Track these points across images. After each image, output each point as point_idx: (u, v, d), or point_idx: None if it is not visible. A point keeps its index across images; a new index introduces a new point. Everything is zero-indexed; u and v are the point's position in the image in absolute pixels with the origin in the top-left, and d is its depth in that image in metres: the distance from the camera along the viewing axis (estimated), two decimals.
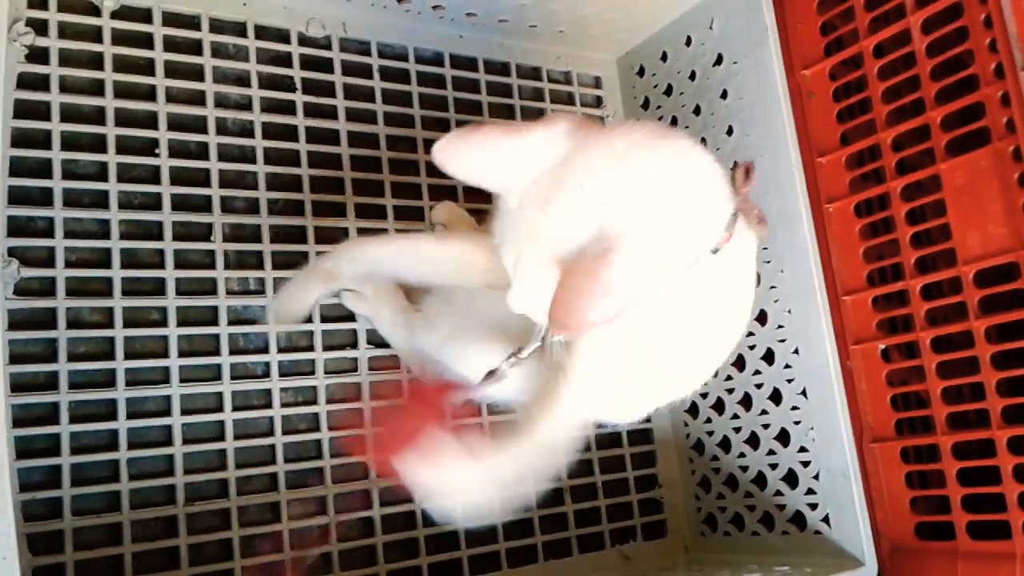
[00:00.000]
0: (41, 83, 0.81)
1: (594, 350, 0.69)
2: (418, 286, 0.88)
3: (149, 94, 0.86)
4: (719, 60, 1.02)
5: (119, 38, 0.85)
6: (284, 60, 0.94)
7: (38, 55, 0.81)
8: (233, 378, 0.85)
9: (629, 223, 0.59)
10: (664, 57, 1.10)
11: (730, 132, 1.01)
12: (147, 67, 0.86)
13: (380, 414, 0.90)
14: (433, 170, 0.72)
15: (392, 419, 0.79)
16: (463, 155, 0.64)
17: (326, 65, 0.97)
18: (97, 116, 0.83)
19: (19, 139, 0.78)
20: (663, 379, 0.75)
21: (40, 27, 0.81)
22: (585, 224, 0.60)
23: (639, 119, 1.12)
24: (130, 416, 0.79)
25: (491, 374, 0.73)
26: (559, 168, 0.62)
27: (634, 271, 0.59)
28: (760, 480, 1.00)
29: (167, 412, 0.81)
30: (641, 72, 1.14)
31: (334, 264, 0.84)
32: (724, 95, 1.02)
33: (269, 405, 0.86)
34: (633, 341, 0.68)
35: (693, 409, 1.07)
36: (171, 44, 0.88)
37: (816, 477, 0.94)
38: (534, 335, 0.72)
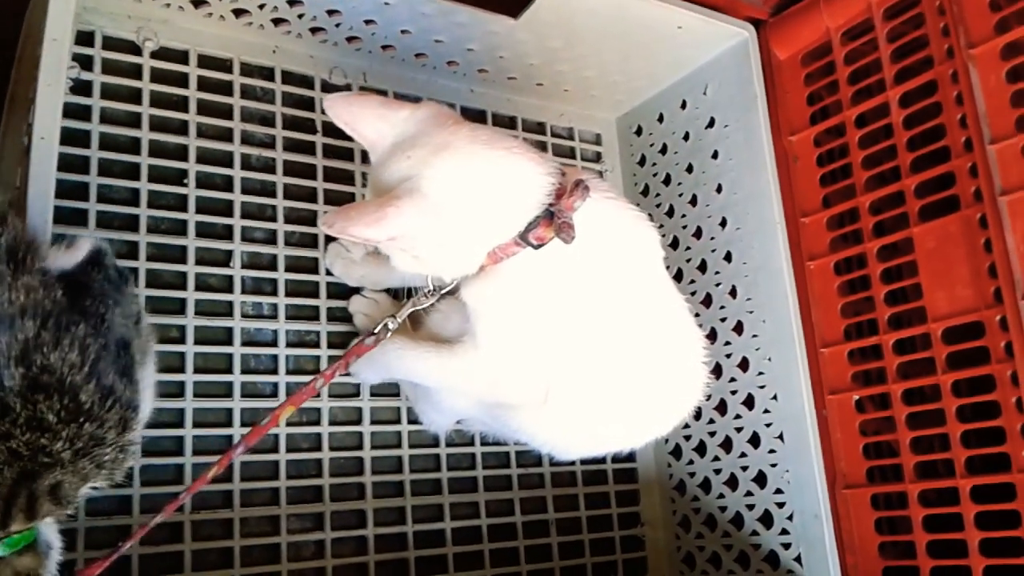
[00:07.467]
0: (83, 113, 0.88)
1: (491, 322, 0.82)
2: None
3: (181, 128, 0.93)
4: (711, 123, 1.10)
5: (157, 76, 0.92)
6: (307, 104, 1.01)
7: (82, 88, 0.88)
8: (243, 396, 0.90)
9: (424, 186, 0.74)
10: (660, 118, 1.17)
11: (719, 190, 1.08)
12: (181, 104, 0.93)
13: None
14: None
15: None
16: (347, 108, 0.79)
17: None
18: (132, 146, 0.90)
19: (60, 164, 0.83)
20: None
21: (85, 62, 0.88)
22: (401, 179, 0.75)
23: (635, 174, 1.20)
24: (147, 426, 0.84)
25: (384, 329, 0.84)
26: (407, 139, 0.77)
27: (409, 219, 0.73)
28: (737, 520, 1.05)
29: (180, 424, 0.86)
30: (639, 131, 1.21)
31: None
32: (715, 155, 1.09)
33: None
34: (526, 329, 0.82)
35: (676, 451, 1.12)
36: (204, 84, 0.95)
37: (790, 518, 0.99)
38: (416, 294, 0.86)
